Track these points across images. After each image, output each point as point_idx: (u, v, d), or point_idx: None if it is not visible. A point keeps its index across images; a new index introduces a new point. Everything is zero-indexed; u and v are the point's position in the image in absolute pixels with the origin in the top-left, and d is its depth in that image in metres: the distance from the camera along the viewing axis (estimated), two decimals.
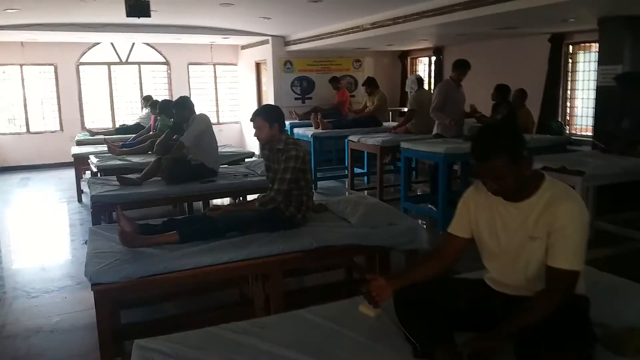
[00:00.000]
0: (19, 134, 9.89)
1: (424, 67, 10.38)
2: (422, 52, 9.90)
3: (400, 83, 10.36)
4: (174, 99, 6.89)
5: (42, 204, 7.27)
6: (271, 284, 2.80)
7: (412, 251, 3.09)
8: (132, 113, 10.77)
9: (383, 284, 1.83)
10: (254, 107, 10.92)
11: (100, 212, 4.23)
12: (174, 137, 6.09)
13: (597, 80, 5.69)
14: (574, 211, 1.64)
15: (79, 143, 8.12)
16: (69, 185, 8.23)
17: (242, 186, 4.75)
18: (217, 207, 3.06)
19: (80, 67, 10.17)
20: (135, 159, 6.00)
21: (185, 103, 4.79)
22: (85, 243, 2.59)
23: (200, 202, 5.27)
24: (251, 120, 3.14)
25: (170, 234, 2.84)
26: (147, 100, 8.85)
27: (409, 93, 6.77)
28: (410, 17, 6.21)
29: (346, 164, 8.27)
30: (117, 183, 4.57)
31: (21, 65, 9.66)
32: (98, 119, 10.52)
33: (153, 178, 4.72)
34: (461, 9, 5.46)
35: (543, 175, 1.75)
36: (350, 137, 6.70)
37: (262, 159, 3.36)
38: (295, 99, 9.93)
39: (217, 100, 11.50)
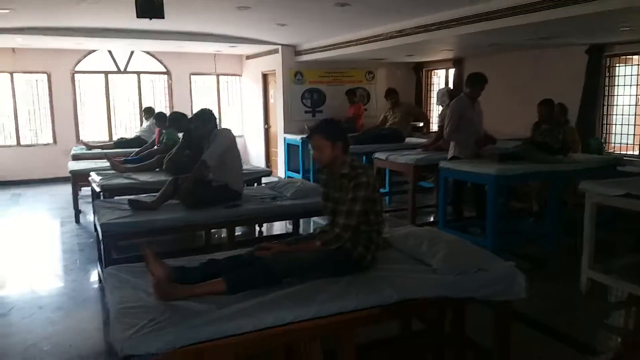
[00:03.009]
0: (9, 146, 9.21)
1: (438, 80, 9.93)
2: (439, 63, 9.43)
3: (415, 96, 9.89)
4: (175, 111, 6.34)
5: (36, 225, 6.59)
6: (343, 349, 2.21)
7: (504, 303, 2.51)
8: (130, 126, 10.17)
9: None
10: (260, 120, 10.43)
11: (113, 243, 3.60)
12: (186, 153, 5.57)
13: None
14: None
15: (75, 157, 7.49)
16: (65, 203, 7.57)
17: (271, 211, 4.16)
18: (269, 245, 2.46)
19: (76, 75, 9.54)
20: (143, 178, 5.39)
21: (207, 116, 4.21)
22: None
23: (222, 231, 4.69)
24: (308, 138, 2.57)
25: (215, 281, 2.25)
26: (149, 112, 8.29)
27: (440, 107, 6.25)
28: (445, 24, 5.72)
29: None
30: (128, 207, 3.97)
31: (12, 72, 9.03)
32: (94, 131, 9.88)
33: (169, 201, 4.13)
34: (506, 15, 4.98)
35: None
36: (376, 155, 6.14)
37: (320, 184, 2.78)
38: (306, 112, 9.39)
39: (220, 113, 10.91)
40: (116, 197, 5.13)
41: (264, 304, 2.12)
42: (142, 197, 4.32)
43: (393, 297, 2.26)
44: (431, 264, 2.51)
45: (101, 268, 4.20)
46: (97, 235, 4.23)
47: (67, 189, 8.42)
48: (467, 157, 5.18)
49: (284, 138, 9.20)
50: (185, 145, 5.59)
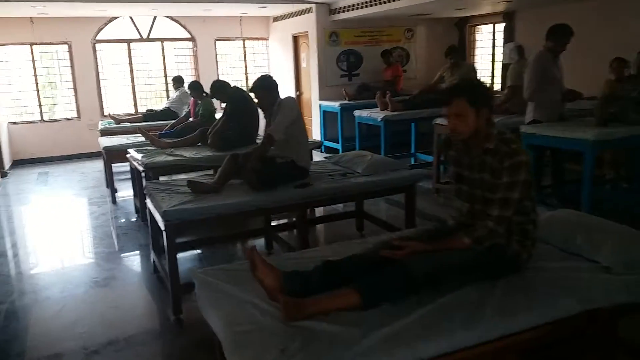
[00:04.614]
0: (32, 122, 8.74)
1: (482, 36, 9.20)
2: (486, 18, 8.68)
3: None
4: (218, 79, 5.79)
5: (71, 207, 6.18)
6: None
7: None
8: (154, 96, 9.64)
9: None
10: (291, 87, 9.81)
11: (176, 234, 3.15)
12: (230, 125, 5.05)
13: None
14: None
15: (104, 132, 7.03)
16: (96, 181, 7.16)
17: (345, 190, 3.65)
18: (402, 243, 1.97)
19: (97, 45, 8.96)
20: (188, 154, 4.91)
21: (269, 83, 3.67)
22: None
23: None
24: (448, 102, 2.03)
25: (346, 293, 1.79)
26: (178, 82, 7.77)
27: (509, 65, 5.63)
28: None
29: (412, 151, 7.29)
30: (184, 189, 3.49)
31: (31, 44, 8.47)
32: (117, 103, 9.37)
33: (230, 181, 3.65)
34: None
35: None
36: (439, 120, 5.58)
37: (448, 160, 2.27)
38: (342, 76, 8.77)
39: (247, 80, 10.31)
40: (162, 178, 4.71)
41: (417, 326, 1.66)
42: (199, 177, 3.85)
43: (574, 308, 1.78)
44: (598, 260, 2.02)
45: (156, 257, 3.79)
46: (148, 219, 3.81)
47: (96, 165, 8.05)
48: (550, 120, 4.60)
49: (320, 105, 8.64)
50: (230, 117, 5.07)
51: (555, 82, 4.62)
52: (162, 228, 3.13)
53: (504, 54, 5.77)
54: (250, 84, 10.28)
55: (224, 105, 5.31)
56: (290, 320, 1.69)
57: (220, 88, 5.19)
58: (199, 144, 5.33)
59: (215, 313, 1.82)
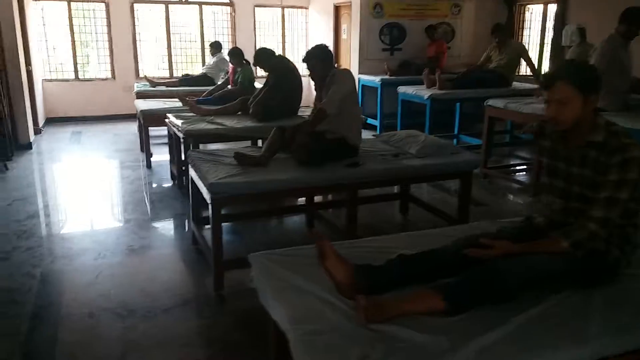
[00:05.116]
0: (67, 81, 8.65)
1: (530, 16, 8.71)
2: None
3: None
4: (262, 47, 5.53)
5: (102, 169, 6.09)
6: None
7: None
8: (190, 61, 9.46)
9: None
10: None
11: (221, 208, 2.99)
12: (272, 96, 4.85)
13: None
14: None
15: (140, 95, 6.89)
16: (130, 144, 7.07)
17: (399, 172, 3.43)
18: (490, 242, 1.75)
19: (135, 5, 8.76)
20: (229, 123, 4.73)
21: (324, 53, 3.43)
22: None
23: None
24: (549, 85, 1.79)
25: (430, 295, 1.60)
26: (216, 47, 7.56)
27: (566, 48, 5.27)
28: None
29: (455, 132, 6.99)
30: (229, 161, 3.32)
31: (68, 1, 8.31)
32: (152, 66, 9.21)
33: (276, 155, 3.46)
34: None
35: None
36: (490, 102, 5.27)
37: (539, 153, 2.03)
38: (383, 50, 8.43)
39: (284, 50, 10.03)
40: (200, 146, 4.59)
41: (514, 338, 1.46)
42: (244, 148, 3.68)
43: None
44: None
45: (196, 228, 3.66)
46: (190, 189, 3.66)
47: (129, 128, 7.97)
48: (614, 110, 4.28)
49: (359, 79, 8.33)
50: (273, 87, 4.86)
51: (623, 69, 4.31)
52: (208, 201, 2.97)
53: (564, 35, 5.38)
54: (288, 54, 9.96)
55: (264, 73, 5.12)
56: (368, 323, 1.51)
57: (265, 56, 4.95)
58: (239, 113, 5.15)
59: (279, 305, 1.65)
